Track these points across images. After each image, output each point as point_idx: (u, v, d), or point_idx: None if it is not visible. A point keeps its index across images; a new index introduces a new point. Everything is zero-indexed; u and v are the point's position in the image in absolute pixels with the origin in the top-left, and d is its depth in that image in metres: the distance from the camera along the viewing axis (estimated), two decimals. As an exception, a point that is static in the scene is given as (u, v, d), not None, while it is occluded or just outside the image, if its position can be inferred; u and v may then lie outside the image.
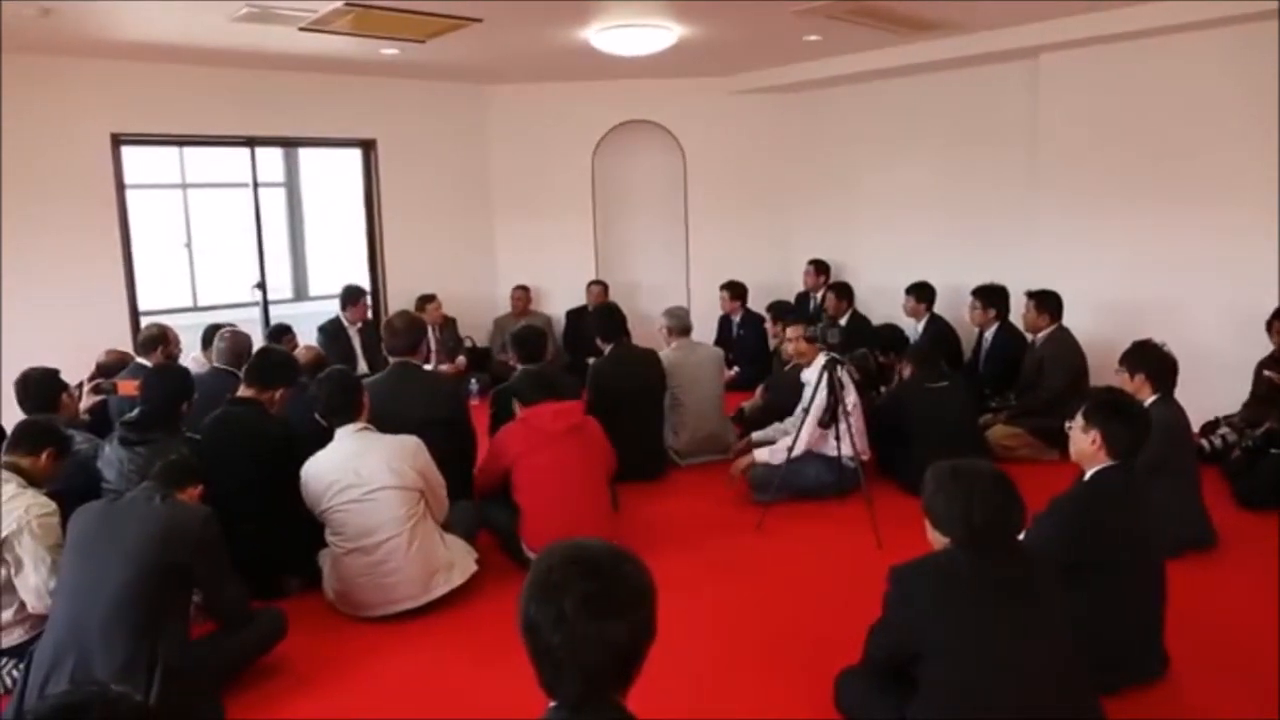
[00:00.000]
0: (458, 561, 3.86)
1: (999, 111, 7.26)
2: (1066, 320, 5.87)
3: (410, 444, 3.80)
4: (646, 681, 1.60)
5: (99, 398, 5.00)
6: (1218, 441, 5.35)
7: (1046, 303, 5.87)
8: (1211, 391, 5.42)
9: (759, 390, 6.46)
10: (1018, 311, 6.16)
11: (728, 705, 3.12)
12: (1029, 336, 6.05)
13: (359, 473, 3.68)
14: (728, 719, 3.06)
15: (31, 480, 3.38)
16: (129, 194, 7.24)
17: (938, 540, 2.51)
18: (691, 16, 6.01)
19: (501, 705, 3.07)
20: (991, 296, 6.31)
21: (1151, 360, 4.17)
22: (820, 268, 8.23)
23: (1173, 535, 3.64)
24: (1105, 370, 5.21)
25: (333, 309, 7.64)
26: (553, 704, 1.57)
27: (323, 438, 3.86)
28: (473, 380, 7.43)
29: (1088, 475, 3.08)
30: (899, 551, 4.01)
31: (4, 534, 3.19)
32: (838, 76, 7.84)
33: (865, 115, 8.25)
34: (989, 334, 6.39)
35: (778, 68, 8.16)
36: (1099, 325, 6.18)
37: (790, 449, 4.83)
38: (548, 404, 4.26)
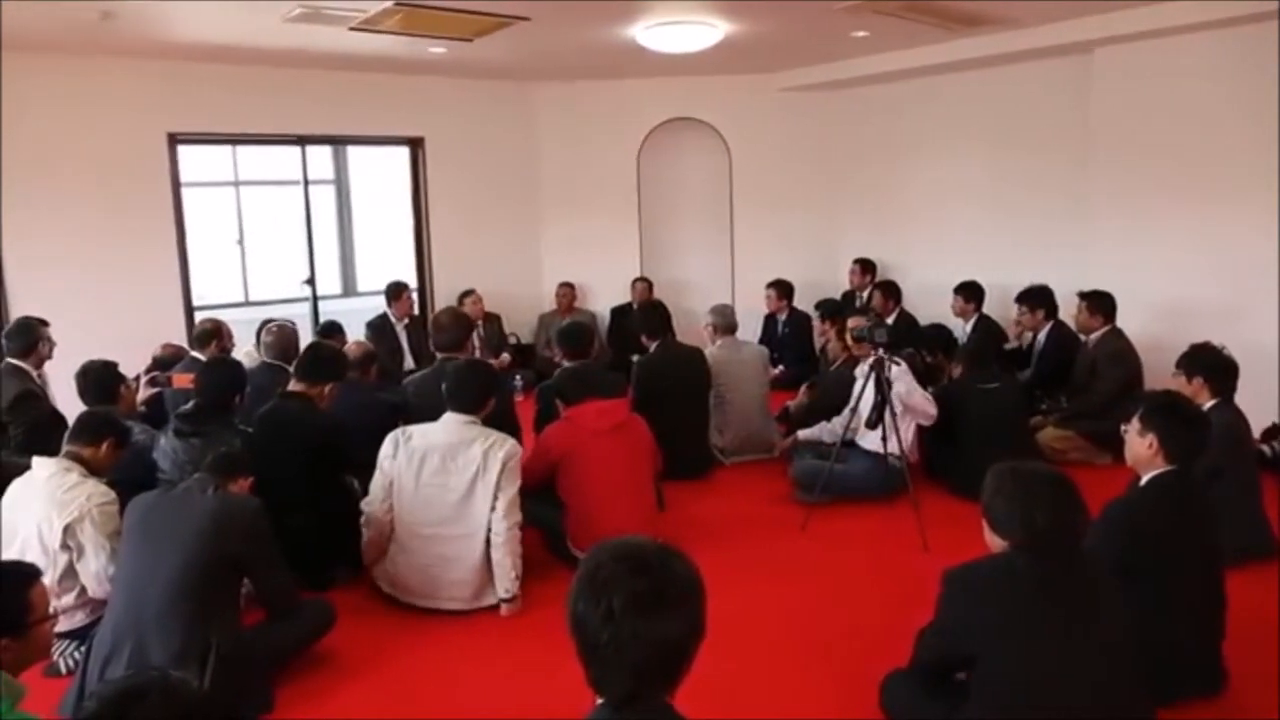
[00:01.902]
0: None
1: (1050, 108, 7.12)
2: (1120, 321, 5.75)
3: (510, 466, 3.75)
4: (690, 680, 1.59)
5: (155, 390, 5.12)
6: (1279, 447, 5.22)
7: (1100, 304, 5.75)
8: (1272, 396, 5.28)
9: (803, 389, 6.42)
10: (1068, 312, 6.04)
11: (771, 705, 3.11)
12: (1082, 338, 5.94)
13: (455, 460, 3.70)
14: (769, 718, 3.04)
15: (92, 470, 3.47)
16: (184, 191, 7.40)
17: (995, 543, 2.45)
18: (738, 13, 5.98)
19: (547, 701, 3.09)
20: (1037, 298, 6.20)
21: (1210, 363, 4.07)
22: (866, 266, 8.16)
23: (1231, 543, 3.54)
24: (1160, 373, 5.11)
25: (381, 304, 7.75)
26: (600, 701, 1.57)
27: (375, 432, 3.91)
28: (517, 376, 7.48)
29: (1144, 480, 3.01)
30: (946, 554, 3.96)
31: (67, 521, 3.27)
32: (885, 73, 7.76)
33: (913, 112, 8.15)
34: (1041, 335, 6.29)
35: (824, 64, 8.09)
36: (1153, 326, 6.04)
37: (847, 426, 4.85)
38: (591, 402, 4.27)
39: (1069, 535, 2.37)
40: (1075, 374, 5.86)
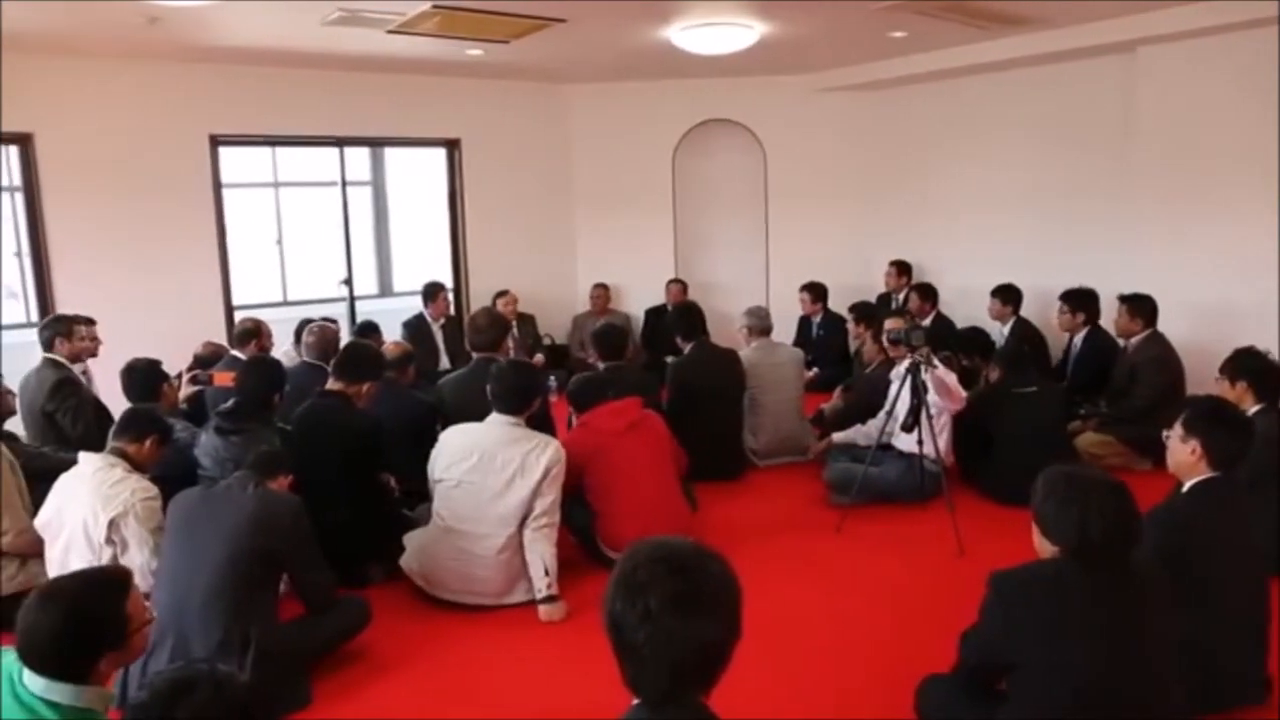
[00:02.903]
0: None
1: (1091, 108, 7.03)
2: (1161, 325, 5.66)
3: (554, 473, 3.76)
4: (725, 681, 1.59)
5: (196, 388, 5.20)
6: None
7: (1140, 307, 5.66)
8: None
9: (838, 392, 6.39)
10: (1109, 316, 5.96)
11: (806, 707, 3.10)
12: (1121, 342, 5.85)
13: (494, 459, 3.73)
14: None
15: (136, 465, 3.54)
16: (225, 192, 7.51)
17: (1045, 548, 2.40)
18: (774, 14, 5.97)
19: (582, 700, 3.10)
20: (1080, 300, 6.13)
21: (1254, 368, 3.99)
22: (902, 268, 8.09)
23: (1276, 552, 3.48)
24: (1201, 378, 5.03)
25: (417, 305, 7.82)
26: (636, 701, 1.57)
27: (411, 431, 3.94)
28: (551, 377, 7.49)
29: (1186, 487, 2.95)
30: (982, 559, 3.92)
31: (112, 515, 3.34)
32: (923, 73, 7.70)
33: (950, 113, 8.08)
34: (1078, 339, 6.21)
35: (860, 65, 8.05)
36: (1195, 330, 5.94)
37: (882, 429, 4.83)
38: (604, 405, 4.28)
39: (1123, 544, 2.30)
40: (1114, 378, 5.77)
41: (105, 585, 2.04)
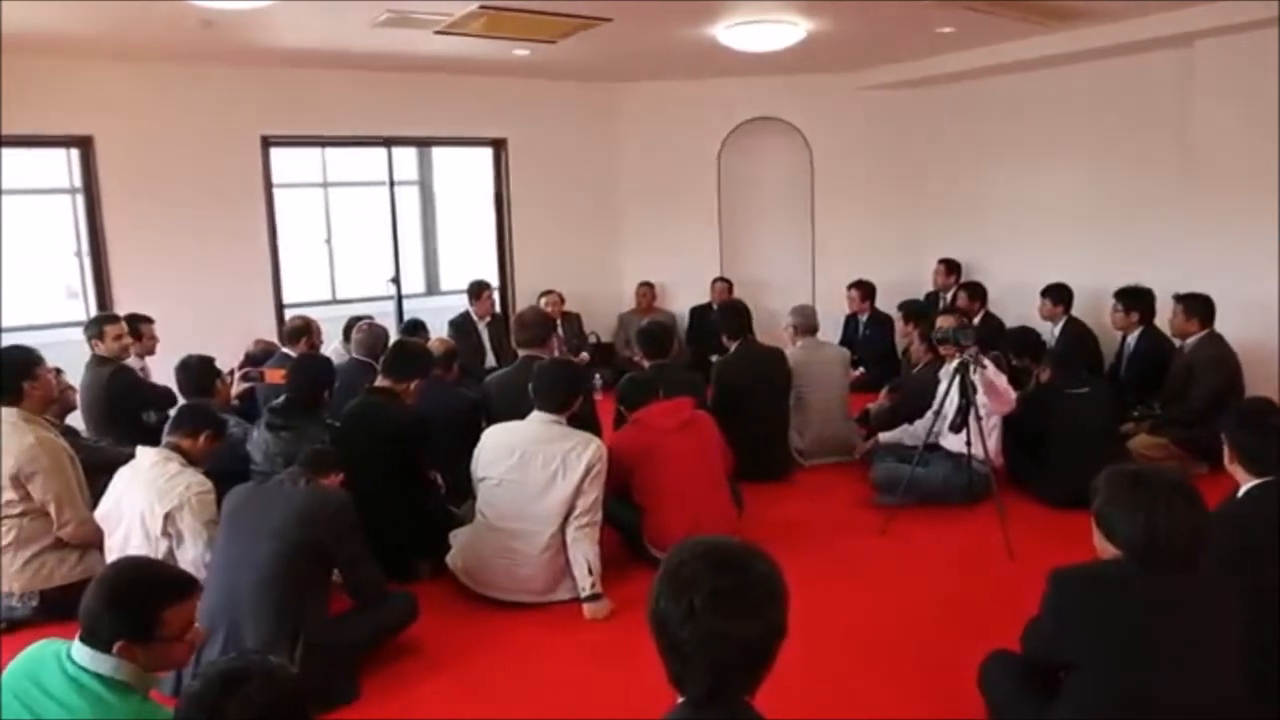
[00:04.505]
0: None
1: (1146, 103, 6.87)
2: (1218, 325, 5.52)
3: (596, 471, 3.76)
4: (770, 681, 1.58)
5: (248, 385, 5.30)
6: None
7: (1196, 307, 5.52)
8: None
9: (884, 391, 6.33)
10: (1164, 316, 5.83)
11: (851, 708, 3.07)
12: (1176, 342, 5.72)
13: (536, 458, 3.75)
14: (850, 723, 3.02)
15: (190, 460, 3.61)
16: (275, 193, 7.64)
17: (1107, 550, 2.33)
18: (821, 11, 5.92)
19: (626, 697, 3.10)
20: (1135, 299, 6.00)
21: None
22: (951, 267, 7.99)
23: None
24: (1260, 379, 4.89)
25: (463, 303, 7.88)
26: (680, 699, 1.57)
27: (457, 428, 3.98)
28: (597, 375, 7.53)
29: (1243, 490, 2.89)
30: (1033, 563, 3.87)
31: (168, 508, 3.42)
32: (972, 70, 7.59)
33: (999, 109, 7.95)
34: (1131, 339, 6.08)
35: (908, 62, 7.95)
36: (1254, 331, 5.79)
37: (930, 429, 4.78)
38: (655, 404, 4.28)
39: (1192, 547, 2.22)
40: (1170, 379, 5.64)
41: (152, 583, 2.09)
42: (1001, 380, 4.74)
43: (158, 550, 3.45)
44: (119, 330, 5.27)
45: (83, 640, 2.00)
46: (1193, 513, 2.23)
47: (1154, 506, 2.21)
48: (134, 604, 2.01)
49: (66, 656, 2.00)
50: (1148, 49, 6.58)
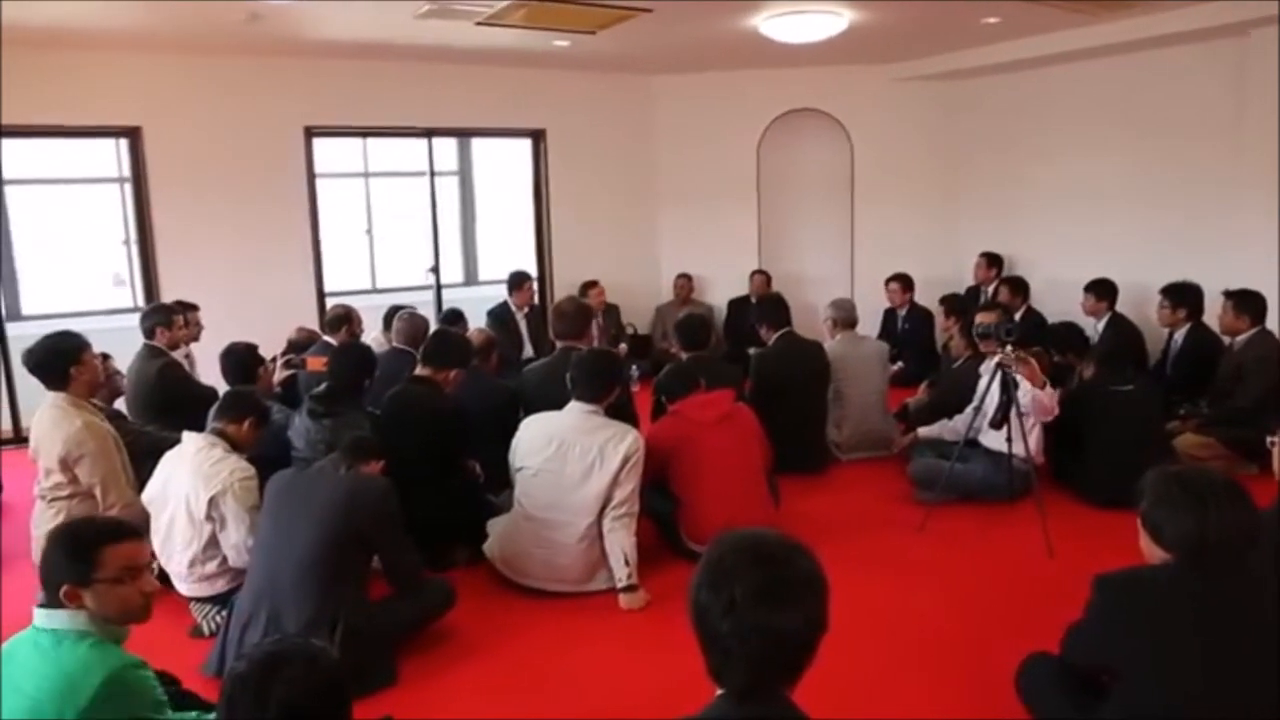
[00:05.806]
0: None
1: (1197, 95, 6.71)
2: (1270, 323, 5.40)
3: (634, 461, 3.77)
4: (809, 675, 1.58)
5: (290, 372, 5.37)
6: None
7: (1247, 304, 5.40)
8: None
9: (923, 386, 6.27)
10: (1213, 312, 5.71)
11: (889, 704, 3.06)
12: (1225, 340, 5.60)
13: (573, 448, 3.76)
14: (885, 718, 2.99)
15: (234, 446, 3.67)
16: (318, 183, 7.72)
17: (1155, 553, 2.28)
18: (863, 1, 5.86)
19: (660, 690, 3.11)
20: (1182, 295, 5.87)
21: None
22: (992, 261, 7.90)
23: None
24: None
25: (501, 293, 7.92)
26: (720, 692, 1.57)
27: (495, 417, 3.99)
28: (634, 367, 7.53)
29: (1292, 490, 2.83)
30: (1073, 562, 3.83)
31: (211, 493, 3.47)
32: (1015, 61, 7.47)
33: (1043, 101, 7.82)
34: (1178, 335, 5.96)
35: (951, 53, 7.85)
36: (1308, 329, 5.65)
37: (970, 425, 4.74)
38: (696, 395, 4.27)
39: (1243, 547, 2.18)
40: (1218, 378, 5.53)
41: (88, 525, 2.21)
42: (1047, 398, 4.59)
43: (201, 534, 3.52)
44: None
45: (40, 605, 2.11)
46: (1243, 512, 2.18)
47: (1203, 506, 2.16)
48: (71, 545, 2.11)
49: (36, 627, 2.12)
50: (1199, 39, 6.43)
